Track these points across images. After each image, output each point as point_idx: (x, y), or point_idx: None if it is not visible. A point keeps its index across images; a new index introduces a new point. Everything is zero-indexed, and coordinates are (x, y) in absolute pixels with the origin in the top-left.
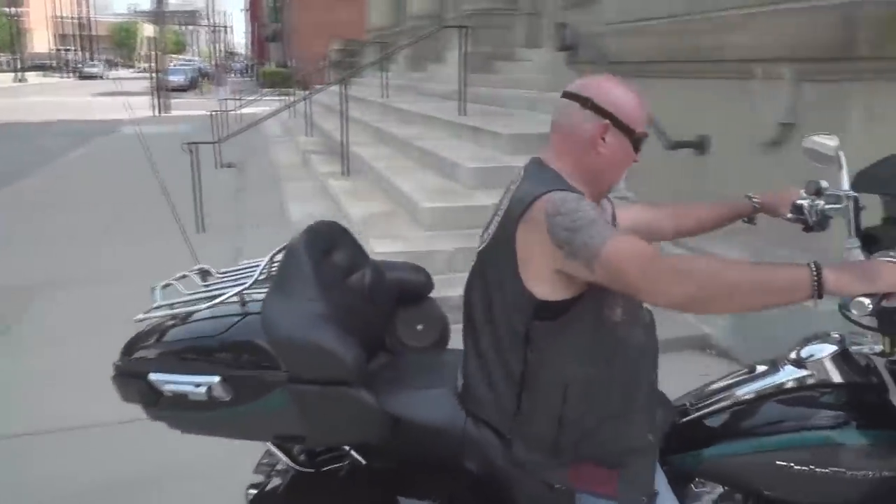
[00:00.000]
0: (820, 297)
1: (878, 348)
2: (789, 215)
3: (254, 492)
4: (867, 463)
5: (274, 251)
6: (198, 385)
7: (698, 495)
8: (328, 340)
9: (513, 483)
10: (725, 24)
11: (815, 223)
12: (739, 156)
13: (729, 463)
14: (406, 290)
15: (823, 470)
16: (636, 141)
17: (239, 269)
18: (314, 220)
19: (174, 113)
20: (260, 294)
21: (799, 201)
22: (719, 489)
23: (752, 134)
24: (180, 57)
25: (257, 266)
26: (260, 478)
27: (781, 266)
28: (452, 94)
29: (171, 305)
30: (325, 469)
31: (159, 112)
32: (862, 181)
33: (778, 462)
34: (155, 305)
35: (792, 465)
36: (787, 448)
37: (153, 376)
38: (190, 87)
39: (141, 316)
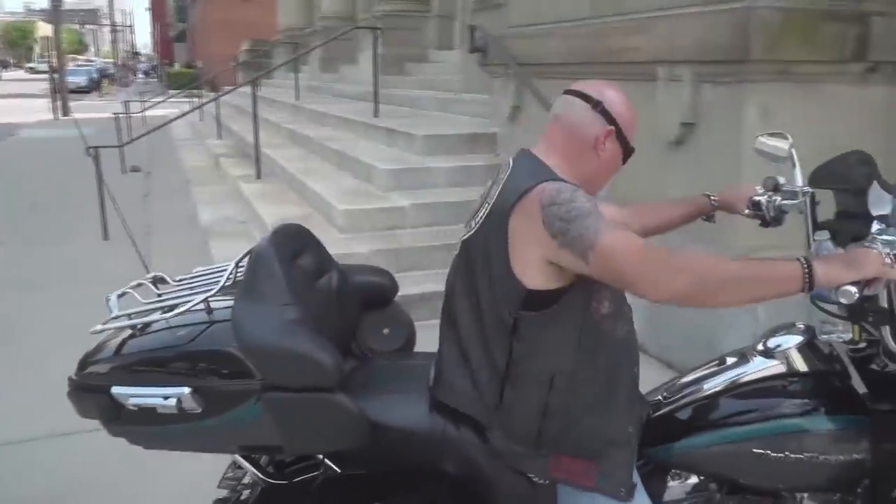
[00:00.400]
0: (811, 289)
1: (847, 336)
2: (746, 211)
3: None
4: (836, 447)
5: (239, 256)
6: (166, 397)
7: (674, 487)
8: (305, 345)
9: (494, 483)
10: (631, 27)
11: (772, 218)
12: (646, 155)
13: (704, 454)
14: (371, 293)
15: (797, 455)
16: (627, 154)
17: (196, 277)
18: (226, 224)
19: (75, 116)
20: (225, 301)
21: (756, 197)
22: (694, 479)
23: (657, 134)
24: (80, 57)
25: (217, 272)
26: (224, 493)
27: (773, 261)
28: (366, 96)
29: (128, 316)
30: (297, 480)
31: (59, 115)
32: (817, 177)
33: (753, 450)
34: (112, 316)
35: (768, 452)
36: (762, 437)
37: (116, 390)
38: (91, 88)
39: (98, 327)
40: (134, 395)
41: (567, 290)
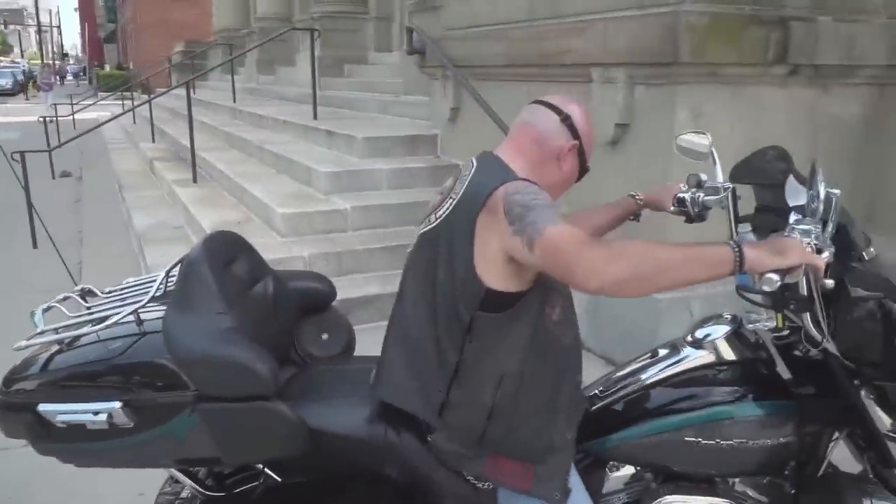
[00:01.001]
0: (741, 270)
1: (771, 324)
2: (672, 208)
3: None
4: (765, 432)
5: (169, 266)
6: (96, 413)
7: (612, 478)
8: (241, 354)
9: (436, 487)
10: (566, 29)
11: (697, 214)
12: None
13: (638, 444)
14: (309, 299)
15: (728, 442)
16: (582, 172)
17: (126, 288)
18: (162, 229)
19: None
20: (156, 312)
21: (681, 195)
22: (630, 470)
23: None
24: (5, 59)
25: (147, 283)
26: None
27: (705, 244)
28: (304, 98)
29: (55, 330)
30: (236, 491)
31: None
32: (737, 172)
33: (686, 439)
34: (38, 331)
35: (699, 440)
36: (693, 425)
37: (42, 407)
38: (17, 90)
39: (23, 343)
40: (62, 412)
41: (523, 295)
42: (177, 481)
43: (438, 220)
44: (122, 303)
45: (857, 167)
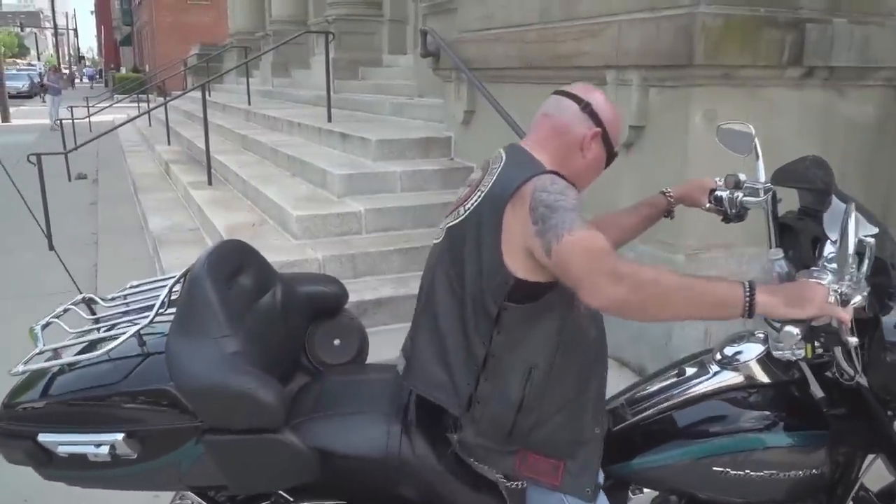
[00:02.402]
0: (750, 316)
1: (801, 353)
2: (708, 205)
3: None
4: (797, 463)
5: (173, 280)
6: (98, 445)
7: (634, 501)
8: (247, 384)
9: (454, 502)
10: (580, 32)
11: (735, 215)
12: None
13: (664, 470)
14: (319, 303)
15: (758, 473)
16: (610, 157)
17: (128, 294)
18: (176, 231)
19: (15, 122)
20: (161, 327)
21: (719, 193)
22: (654, 494)
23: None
24: (21, 61)
25: (150, 290)
26: None
27: (717, 281)
28: (319, 100)
29: (55, 351)
30: None
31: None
32: (779, 176)
33: (714, 468)
34: (37, 351)
35: (728, 470)
36: (721, 454)
37: (43, 437)
38: (33, 93)
39: (21, 368)
40: (63, 444)
41: (551, 287)
42: (187, 497)
43: (467, 213)
44: (125, 312)
45: (871, 170)
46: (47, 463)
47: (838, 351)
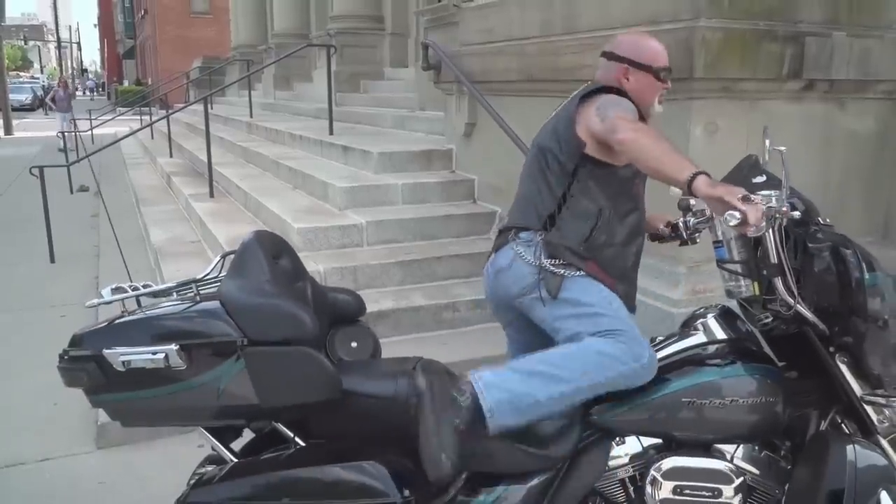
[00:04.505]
0: (690, 189)
1: (750, 293)
2: (667, 232)
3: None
4: (755, 390)
5: (224, 252)
6: (154, 353)
7: (616, 451)
8: (286, 304)
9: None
10: (582, 45)
11: (689, 237)
12: None
13: (642, 409)
14: (342, 309)
15: (720, 400)
16: (657, 72)
17: (176, 287)
18: (178, 244)
19: (18, 134)
20: (212, 289)
21: (673, 220)
22: (636, 446)
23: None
24: (25, 74)
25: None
26: (198, 475)
27: (680, 156)
28: (321, 113)
29: (122, 297)
30: (264, 456)
31: (1, 133)
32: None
33: (683, 399)
34: (107, 299)
35: (694, 399)
36: (689, 386)
37: (108, 351)
38: (36, 106)
39: (95, 301)
40: (124, 354)
41: (614, 167)
42: (210, 462)
43: (548, 120)
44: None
45: (871, 182)
46: (102, 384)
47: (779, 283)
